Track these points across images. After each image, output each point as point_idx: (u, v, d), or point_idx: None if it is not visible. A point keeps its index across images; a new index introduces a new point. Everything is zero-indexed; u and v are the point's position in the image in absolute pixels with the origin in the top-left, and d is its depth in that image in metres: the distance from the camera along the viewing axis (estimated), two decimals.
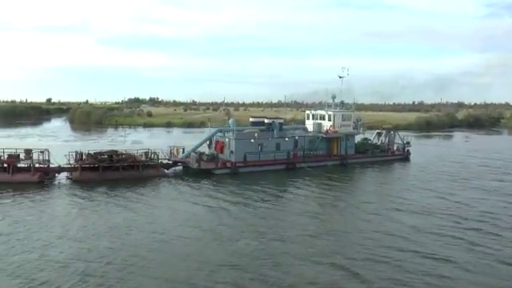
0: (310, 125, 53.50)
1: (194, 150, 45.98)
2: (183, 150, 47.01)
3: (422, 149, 66.60)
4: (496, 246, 23.91)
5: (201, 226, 26.72)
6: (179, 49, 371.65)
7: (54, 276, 19.16)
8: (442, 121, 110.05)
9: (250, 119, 52.81)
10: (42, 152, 40.53)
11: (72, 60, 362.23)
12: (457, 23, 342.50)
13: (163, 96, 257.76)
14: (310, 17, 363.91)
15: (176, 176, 43.32)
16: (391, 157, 55.89)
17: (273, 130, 47.90)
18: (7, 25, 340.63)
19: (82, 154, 41.06)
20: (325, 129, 51.51)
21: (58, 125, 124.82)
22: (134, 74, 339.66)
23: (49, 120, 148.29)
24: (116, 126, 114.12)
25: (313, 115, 53.99)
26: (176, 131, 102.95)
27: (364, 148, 54.51)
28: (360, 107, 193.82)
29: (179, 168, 45.83)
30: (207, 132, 50.99)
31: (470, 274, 20.26)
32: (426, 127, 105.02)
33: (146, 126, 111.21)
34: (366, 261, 21.46)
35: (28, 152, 39.98)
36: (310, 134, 51.13)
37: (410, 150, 58.02)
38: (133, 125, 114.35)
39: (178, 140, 67.25)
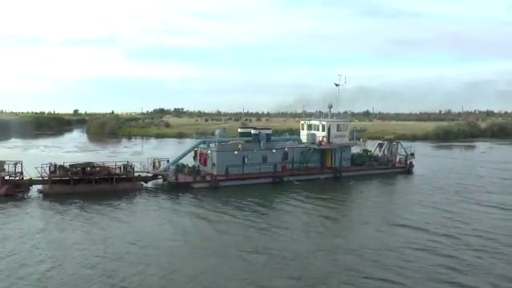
0: (304, 135, 50.88)
1: (175, 163, 44.06)
2: (167, 161, 45.14)
3: (429, 161, 62.73)
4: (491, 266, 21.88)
5: (158, 247, 24.71)
6: (206, 60, 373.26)
7: None
8: (463, 130, 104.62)
9: (239, 130, 50.58)
10: (15, 164, 39.49)
11: (100, 71, 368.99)
12: (487, 29, 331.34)
13: (189, 107, 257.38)
14: (337, 26, 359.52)
15: (153, 190, 41.50)
16: (392, 169, 52.44)
17: (259, 141, 45.49)
18: (39, 39, 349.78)
19: (55, 167, 39.79)
20: (318, 140, 48.79)
21: (75, 136, 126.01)
22: (161, 85, 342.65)
23: (71, 131, 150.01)
24: (129, 136, 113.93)
25: (307, 125, 51.32)
26: (188, 142, 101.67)
27: (361, 160, 51.26)
28: (385, 117, 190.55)
29: (160, 181, 43.98)
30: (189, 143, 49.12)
31: None
32: (445, 137, 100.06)
33: (158, 136, 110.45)
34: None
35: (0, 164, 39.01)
36: (301, 146, 48.48)
37: (414, 162, 54.43)
38: (146, 135, 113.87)
39: (180, 151, 65.75)
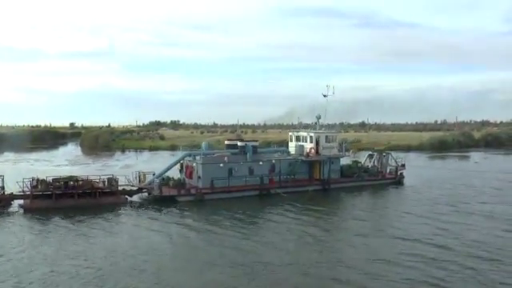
0: (292, 147, 50.35)
1: (160, 176, 43.46)
2: (153, 175, 44.52)
3: (421, 171, 62.14)
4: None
5: (139, 266, 23.90)
6: (203, 72, 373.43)
7: None
8: (457, 140, 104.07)
9: (226, 142, 50.03)
10: None
11: (97, 84, 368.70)
12: (481, 40, 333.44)
13: (185, 119, 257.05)
14: (334, 37, 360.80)
15: (137, 204, 40.86)
16: (382, 180, 51.81)
17: (246, 154, 44.93)
18: (36, 52, 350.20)
19: (37, 181, 39.21)
20: (306, 151, 48.25)
21: (69, 149, 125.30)
22: (158, 97, 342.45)
23: (65, 144, 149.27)
24: (123, 149, 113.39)
25: (296, 137, 50.80)
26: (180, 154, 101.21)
27: (351, 171, 50.66)
28: (381, 127, 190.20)
29: (145, 195, 43.33)
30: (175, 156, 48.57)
31: None
32: (440, 147, 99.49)
33: (151, 149, 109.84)
34: None
35: None
36: (288, 157, 47.92)
37: (405, 173, 53.88)
38: (139, 148, 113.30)
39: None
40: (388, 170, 54.25)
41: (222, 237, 29.59)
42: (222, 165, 42.90)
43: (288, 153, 50.00)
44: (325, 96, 50.67)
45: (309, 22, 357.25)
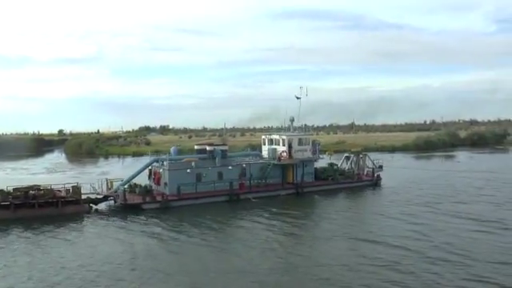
0: (265, 150, 49.26)
1: (126, 183, 42.31)
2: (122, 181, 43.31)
3: (401, 172, 61.27)
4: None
5: (92, 279, 22.83)
6: (192, 76, 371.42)
7: None
8: (443, 140, 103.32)
9: (195, 147, 48.77)
10: None
11: (86, 91, 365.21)
12: (469, 40, 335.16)
13: (175, 124, 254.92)
14: (323, 39, 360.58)
15: (101, 213, 39.58)
16: (358, 183, 50.76)
17: (215, 158, 43.79)
18: (27, 59, 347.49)
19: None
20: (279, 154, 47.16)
21: (53, 156, 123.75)
22: (147, 103, 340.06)
23: (52, 151, 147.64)
24: (106, 156, 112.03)
25: (269, 140, 49.69)
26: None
27: (326, 174, 49.59)
28: (369, 128, 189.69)
29: (112, 203, 42.05)
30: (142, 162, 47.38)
31: None
32: (425, 147, 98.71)
33: (135, 155, 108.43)
34: None
35: None
36: (259, 161, 46.81)
37: (382, 175, 52.87)
38: (122, 154, 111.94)
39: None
40: (365, 172, 53.26)
41: (185, 245, 28.68)
42: (189, 170, 41.73)
43: (261, 156, 48.88)
44: (298, 98, 49.68)
45: (298, 24, 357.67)
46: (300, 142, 47.93)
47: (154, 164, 44.27)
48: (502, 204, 39.14)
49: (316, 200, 44.18)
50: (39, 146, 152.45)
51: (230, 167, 43.75)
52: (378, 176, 52.20)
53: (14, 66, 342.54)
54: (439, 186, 49.28)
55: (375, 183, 51.14)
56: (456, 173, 60.92)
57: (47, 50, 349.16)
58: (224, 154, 44.66)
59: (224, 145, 47.50)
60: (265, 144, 49.99)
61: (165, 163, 42.82)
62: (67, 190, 39.45)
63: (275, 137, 48.80)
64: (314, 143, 49.94)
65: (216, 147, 44.96)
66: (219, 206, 40.92)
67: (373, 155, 73.25)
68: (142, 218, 36.99)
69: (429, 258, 24.46)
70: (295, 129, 50.00)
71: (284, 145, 47.26)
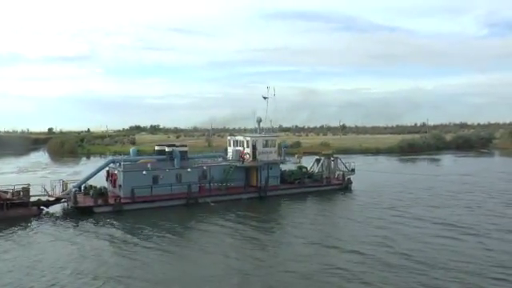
0: (230, 152, 47.72)
1: (81, 184, 40.73)
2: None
3: (374, 176, 59.75)
4: None
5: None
6: (185, 76, 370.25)
7: None
8: (428, 143, 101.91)
9: (156, 147, 47.09)
10: None
11: (78, 89, 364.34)
12: (460, 43, 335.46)
13: (166, 123, 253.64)
14: (317, 40, 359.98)
15: (51, 216, 37.86)
16: (327, 186, 49.16)
17: (173, 160, 42.20)
18: (18, 57, 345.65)
19: None
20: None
21: (36, 155, 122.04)
22: (139, 102, 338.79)
23: (38, 150, 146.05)
24: (88, 155, 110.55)
25: (233, 141, 48.13)
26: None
27: (294, 177, 48.00)
28: (360, 130, 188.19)
29: (65, 205, 40.44)
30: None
31: None
32: (410, 150, 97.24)
33: (116, 154, 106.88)
34: None
35: None
36: (222, 164, 45.24)
37: (354, 179, 51.33)
38: (104, 153, 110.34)
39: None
40: (336, 176, 51.76)
41: (133, 249, 27.49)
42: (145, 172, 40.12)
43: (225, 158, 47.33)
44: (265, 98, 48.18)
45: (291, 26, 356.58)
46: (265, 144, 46.40)
47: (111, 165, 42.64)
48: (473, 209, 38.14)
49: (279, 205, 42.63)
50: (26, 144, 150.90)
51: (189, 169, 42.15)
52: (349, 179, 50.68)
53: (4, 63, 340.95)
54: (412, 191, 47.97)
55: (345, 187, 49.65)
56: (433, 177, 59.51)
57: (39, 47, 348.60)
58: (183, 155, 43.02)
59: (184, 146, 45.84)
60: (230, 145, 48.45)
61: (120, 164, 41.22)
62: (15, 192, 37.81)
63: (240, 138, 47.29)
64: (280, 145, 48.36)
65: (175, 148, 43.30)
66: (176, 209, 39.35)
67: (356, 158, 72.27)
68: (93, 221, 35.41)
69: (385, 264, 23.57)
70: (262, 130, 48.47)
71: (248, 146, 45.72)
